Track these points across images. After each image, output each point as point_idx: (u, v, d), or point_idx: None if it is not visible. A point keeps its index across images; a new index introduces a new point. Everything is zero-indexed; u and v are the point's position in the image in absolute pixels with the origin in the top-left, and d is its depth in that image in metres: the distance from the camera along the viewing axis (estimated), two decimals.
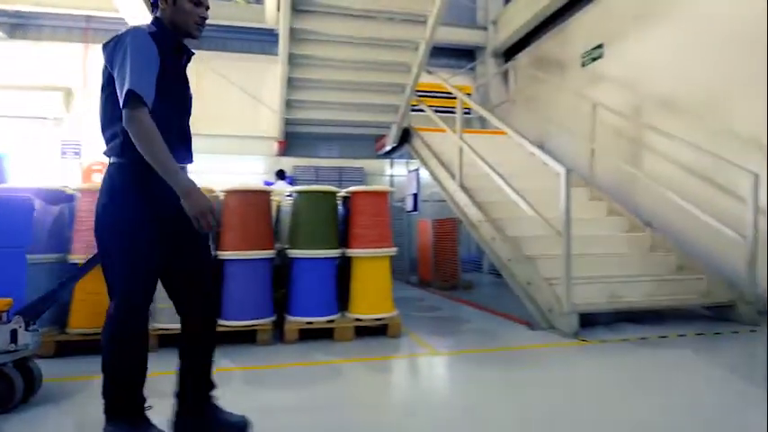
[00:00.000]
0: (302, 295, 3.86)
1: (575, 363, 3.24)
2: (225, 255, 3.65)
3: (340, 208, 4.25)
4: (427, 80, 7.40)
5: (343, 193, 4.20)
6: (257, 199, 3.87)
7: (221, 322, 3.54)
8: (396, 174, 9.94)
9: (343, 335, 3.77)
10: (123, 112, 1.70)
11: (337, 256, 3.98)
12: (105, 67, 1.85)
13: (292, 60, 6.20)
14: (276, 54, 6.62)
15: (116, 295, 1.80)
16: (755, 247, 4.25)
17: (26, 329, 2.29)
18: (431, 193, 8.44)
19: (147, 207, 1.80)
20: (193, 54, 2.03)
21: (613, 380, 2.90)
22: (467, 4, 10.13)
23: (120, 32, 1.83)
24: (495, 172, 5.01)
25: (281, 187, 6.96)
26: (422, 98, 7.75)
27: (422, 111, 7.60)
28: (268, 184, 7.62)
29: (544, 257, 4.56)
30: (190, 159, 1.99)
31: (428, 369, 3.24)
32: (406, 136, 7.61)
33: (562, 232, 3.97)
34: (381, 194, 4.13)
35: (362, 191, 4.11)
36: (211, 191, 3.87)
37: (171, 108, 1.87)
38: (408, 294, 6.30)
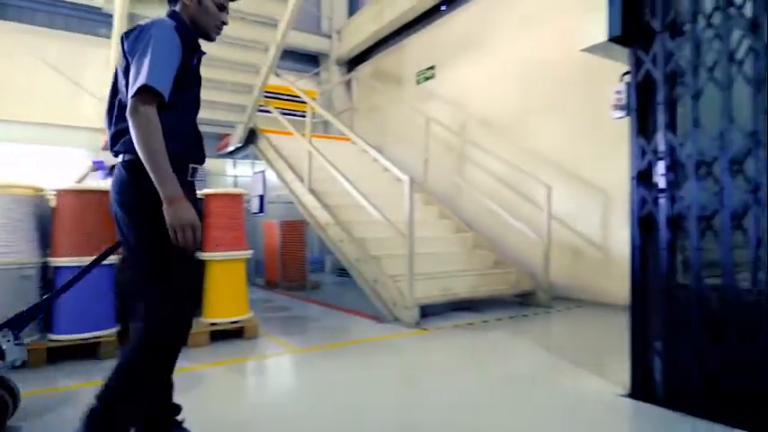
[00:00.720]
0: None
1: (418, 348, 3.69)
2: (59, 261, 3.27)
3: None
4: (272, 81, 7.42)
5: (200, 194, 4.07)
6: (97, 199, 3.54)
7: (54, 337, 3.18)
8: (239, 174, 9.68)
9: (198, 340, 3.67)
10: (131, 101, 1.56)
11: None
12: (124, 57, 1.68)
13: None
14: (102, 36, 5.99)
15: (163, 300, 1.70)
16: (549, 246, 5.29)
17: (15, 343, 2.01)
18: (278, 195, 8.44)
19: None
20: (205, 54, 1.90)
21: (450, 358, 3.41)
22: (312, 10, 10.36)
23: (143, 22, 1.70)
24: (344, 177, 5.32)
25: None
26: (267, 99, 7.75)
27: (268, 112, 7.60)
28: (99, 165, 6.73)
29: (388, 257, 5.01)
30: (203, 160, 1.88)
31: (289, 366, 3.37)
32: (251, 136, 7.52)
33: (406, 234, 4.44)
34: (236, 197, 4.11)
35: (217, 193, 4.04)
36: (39, 189, 3.44)
37: (187, 106, 1.78)
38: (256, 296, 6.26)
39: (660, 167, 2.53)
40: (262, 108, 7.53)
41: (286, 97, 9.06)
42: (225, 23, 1.92)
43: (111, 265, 3.48)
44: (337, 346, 3.77)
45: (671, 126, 2.53)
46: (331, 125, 8.70)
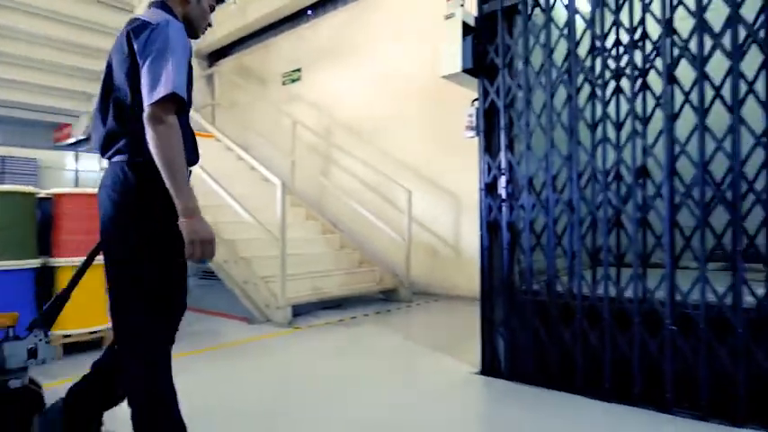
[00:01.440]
0: None
1: (292, 345, 3.84)
2: None
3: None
4: None
5: (43, 193, 3.70)
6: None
7: None
8: (83, 168, 8.70)
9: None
10: (152, 108, 1.48)
11: (37, 266, 3.49)
12: (129, 55, 1.53)
13: None
14: None
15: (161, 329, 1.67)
16: (409, 246, 5.80)
17: (45, 341, 2.06)
18: None
19: (173, 211, 1.54)
20: None
21: (323, 353, 3.63)
22: None
23: (150, 19, 1.56)
24: (211, 177, 5.20)
25: None
26: None
27: None
28: None
29: (257, 258, 5.05)
30: (198, 159, 1.78)
31: None
32: None
33: (277, 236, 4.54)
34: (94, 197, 3.82)
35: (71, 193, 3.73)
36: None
37: (188, 109, 1.69)
38: None
39: (502, 181, 3.05)
40: None
41: None
42: (210, 25, 1.90)
43: None
44: (209, 349, 3.74)
45: (510, 147, 3.06)
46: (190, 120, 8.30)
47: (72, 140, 7.01)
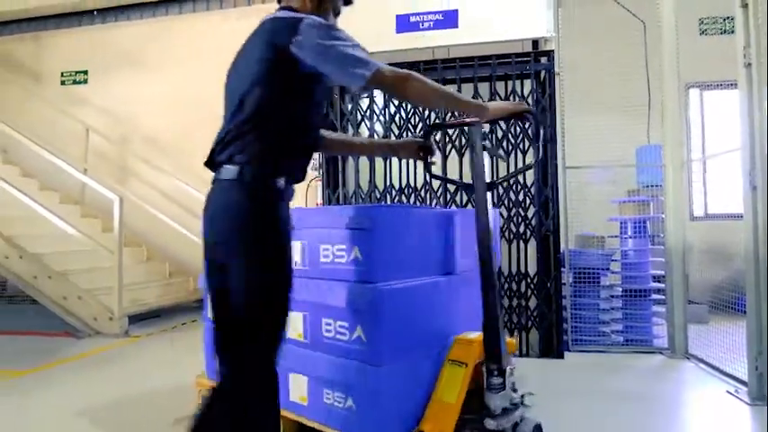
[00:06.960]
0: None
1: (140, 353, 4.15)
2: None
3: None
4: None
5: None
6: None
7: None
8: None
9: None
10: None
11: None
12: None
13: None
14: None
15: None
16: None
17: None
18: None
19: None
20: None
21: (173, 358, 4.07)
22: None
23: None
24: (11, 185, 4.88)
25: None
26: None
27: None
28: None
29: (74, 272, 4.93)
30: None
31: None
32: None
33: (116, 251, 4.67)
34: None
35: None
36: None
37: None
38: None
39: None
40: None
41: None
42: None
43: None
44: (49, 367, 3.69)
45: (344, 184, 4.21)
46: None
47: None
